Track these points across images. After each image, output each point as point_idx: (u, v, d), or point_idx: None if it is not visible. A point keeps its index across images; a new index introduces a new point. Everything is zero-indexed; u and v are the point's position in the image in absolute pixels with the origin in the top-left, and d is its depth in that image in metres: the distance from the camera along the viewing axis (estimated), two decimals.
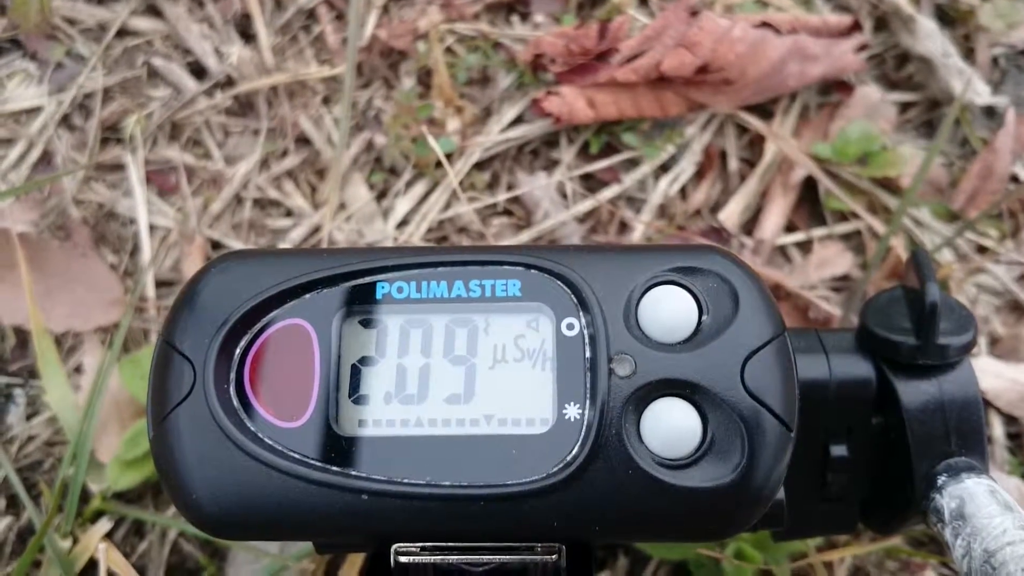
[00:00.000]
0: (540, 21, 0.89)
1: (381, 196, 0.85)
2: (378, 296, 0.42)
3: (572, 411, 0.40)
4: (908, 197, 0.79)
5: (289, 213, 0.84)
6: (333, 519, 0.39)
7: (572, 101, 0.83)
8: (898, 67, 0.89)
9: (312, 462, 0.39)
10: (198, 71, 0.89)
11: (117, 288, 0.81)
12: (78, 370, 0.79)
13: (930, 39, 0.86)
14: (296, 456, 0.40)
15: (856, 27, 0.88)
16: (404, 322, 0.42)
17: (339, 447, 0.40)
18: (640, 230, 0.82)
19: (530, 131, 0.85)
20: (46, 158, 0.86)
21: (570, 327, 0.41)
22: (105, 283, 0.81)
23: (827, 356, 0.51)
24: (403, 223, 0.83)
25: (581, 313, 0.41)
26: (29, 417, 0.79)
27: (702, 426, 0.40)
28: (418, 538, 0.41)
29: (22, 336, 0.81)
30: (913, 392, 0.49)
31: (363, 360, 0.41)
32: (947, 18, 0.90)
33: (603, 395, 0.40)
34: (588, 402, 0.40)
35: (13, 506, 0.76)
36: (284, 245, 0.82)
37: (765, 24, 0.83)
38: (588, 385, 0.40)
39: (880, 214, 0.83)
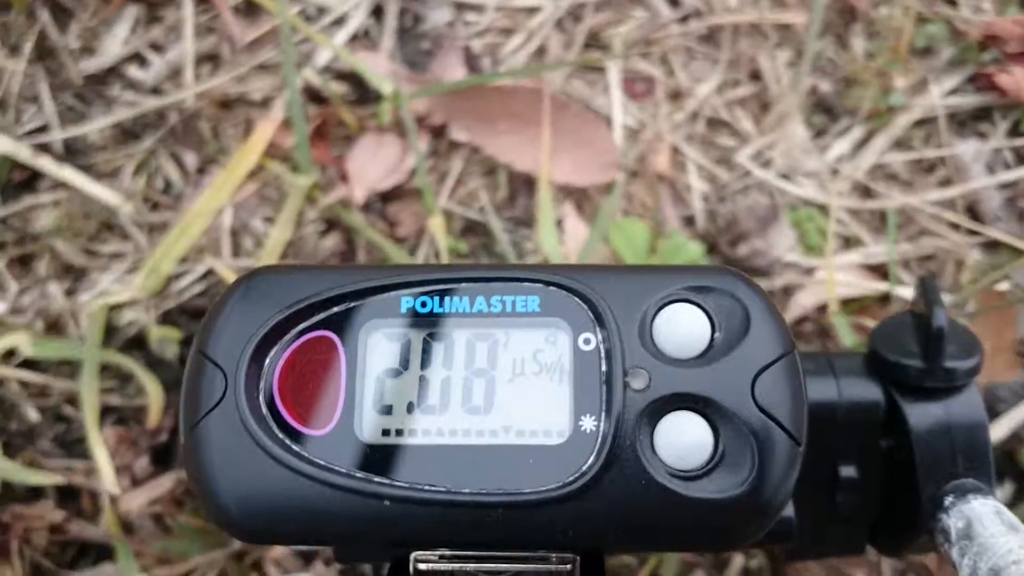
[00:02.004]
0: (987, 8, 1.00)
1: (818, 136, 0.96)
2: (403, 310, 0.43)
3: (588, 423, 0.41)
4: None
5: (735, 135, 0.97)
6: (357, 525, 0.41)
7: (1021, 80, 0.94)
8: None
9: (337, 469, 0.41)
10: (674, 1, 1.01)
11: (614, 153, 0.94)
12: (559, 224, 0.91)
13: None
14: (322, 463, 0.41)
15: None
16: (427, 335, 0.43)
17: (363, 455, 0.41)
18: None
19: (965, 101, 0.97)
20: (539, 52, 1.00)
21: (587, 342, 0.43)
22: (605, 146, 0.94)
23: (836, 379, 0.52)
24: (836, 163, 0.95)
25: (597, 328, 0.43)
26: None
27: (713, 439, 0.41)
28: (438, 544, 0.42)
29: (514, 185, 0.94)
30: (921, 414, 0.51)
31: (387, 372, 0.43)
32: None
33: (618, 408, 0.41)
34: (603, 414, 0.41)
35: None
36: (735, 160, 0.95)
37: None
38: (604, 398, 0.42)
39: None
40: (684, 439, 0.41)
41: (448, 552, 0.43)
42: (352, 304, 0.43)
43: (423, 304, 0.43)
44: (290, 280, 0.44)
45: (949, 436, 0.50)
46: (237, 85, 0.96)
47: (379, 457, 0.41)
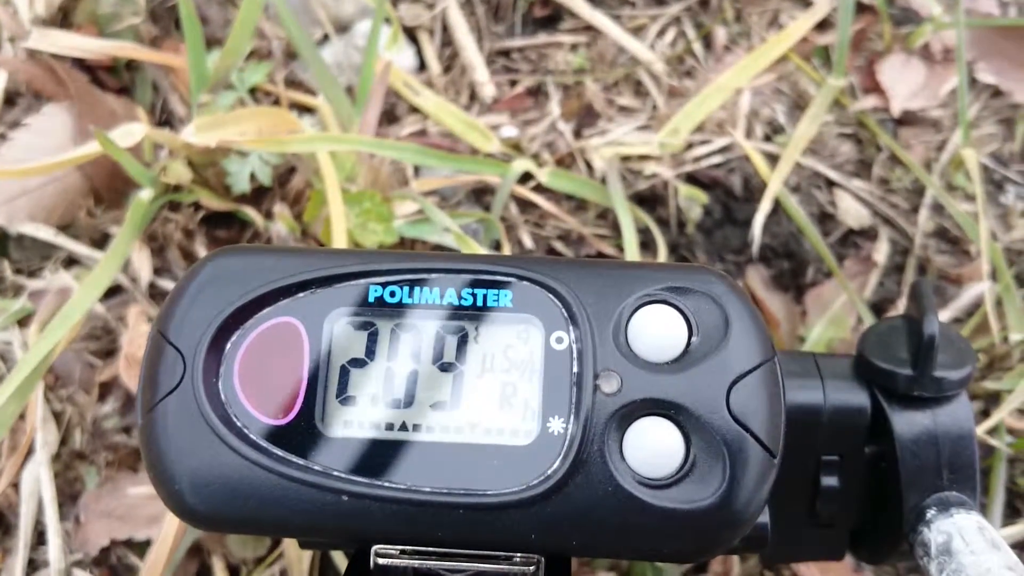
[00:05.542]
0: None
1: None
2: (371, 299, 0.42)
3: (556, 425, 0.40)
4: None
5: None
6: (313, 518, 0.40)
7: None
8: None
9: (295, 460, 0.40)
10: None
11: None
12: None
13: None
14: (279, 454, 0.40)
15: None
16: (395, 326, 0.42)
17: (323, 447, 0.40)
18: None
19: None
20: None
21: (559, 341, 0.41)
22: None
23: (823, 381, 0.50)
24: None
25: (571, 327, 0.41)
26: None
27: (684, 448, 0.40)
28: (397, 541, 0.41)
29: None
30: (907, 423, 0.49)
31: (352, 362, 0.42)
32: None
33: (587, 411, 0.40)
34: (572, 417, 0.40)
35: None
36: None
37: None
38: (573, 400, 0.40)
39: None
40: (654, 446, 0.40)
41: (409, 548, 0.42)
42: (319, 290, 0.42)
43: (392, 294, 0.42)
44: (256, 262, 0.42)
45: (935, 447, 0.49)
46: None
47: (339, 450, 0.40)
